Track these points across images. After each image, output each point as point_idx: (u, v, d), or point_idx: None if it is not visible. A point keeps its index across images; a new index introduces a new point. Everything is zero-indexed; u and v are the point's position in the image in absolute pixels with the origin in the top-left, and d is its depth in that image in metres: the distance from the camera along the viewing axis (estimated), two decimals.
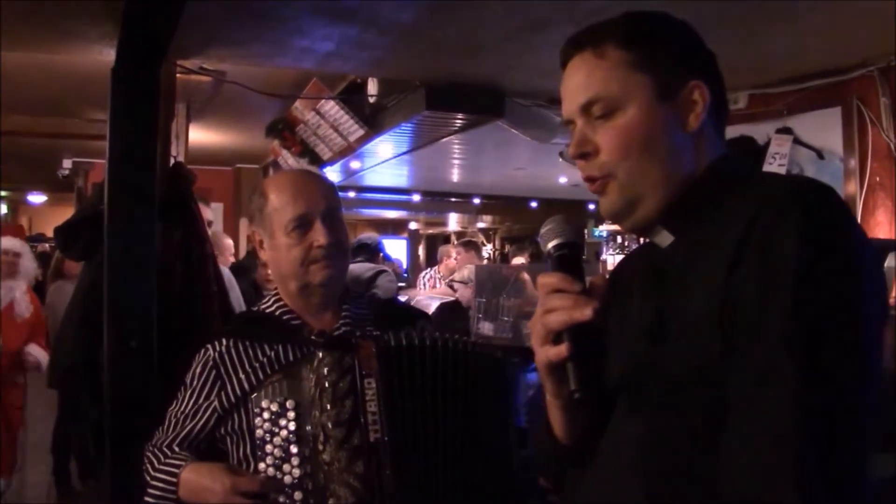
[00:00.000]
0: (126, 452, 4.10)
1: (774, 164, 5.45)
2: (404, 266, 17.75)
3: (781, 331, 1.21)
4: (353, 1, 4.43)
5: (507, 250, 17.27)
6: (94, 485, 5.32)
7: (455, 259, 9.28)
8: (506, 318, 5.95)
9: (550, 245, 1.51)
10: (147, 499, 2.22)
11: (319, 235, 2.27)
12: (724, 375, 1.26)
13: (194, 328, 4.33)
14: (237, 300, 5.61)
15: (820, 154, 5.53)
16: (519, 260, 12.68)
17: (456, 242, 9.22)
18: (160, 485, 2.21)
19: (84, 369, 4.73)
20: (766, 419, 1.20)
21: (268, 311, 2.41)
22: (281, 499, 2.08)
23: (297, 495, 2.09)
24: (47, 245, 11.76)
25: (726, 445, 1.24)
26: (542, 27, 4.74)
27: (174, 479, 2.18)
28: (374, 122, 7.32)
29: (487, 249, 19.13)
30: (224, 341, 2.33)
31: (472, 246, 9.28)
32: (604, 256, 13.16)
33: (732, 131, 5.01)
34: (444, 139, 8.04)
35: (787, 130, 5.62)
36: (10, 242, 6.79)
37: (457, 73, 6.06)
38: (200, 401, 2.30)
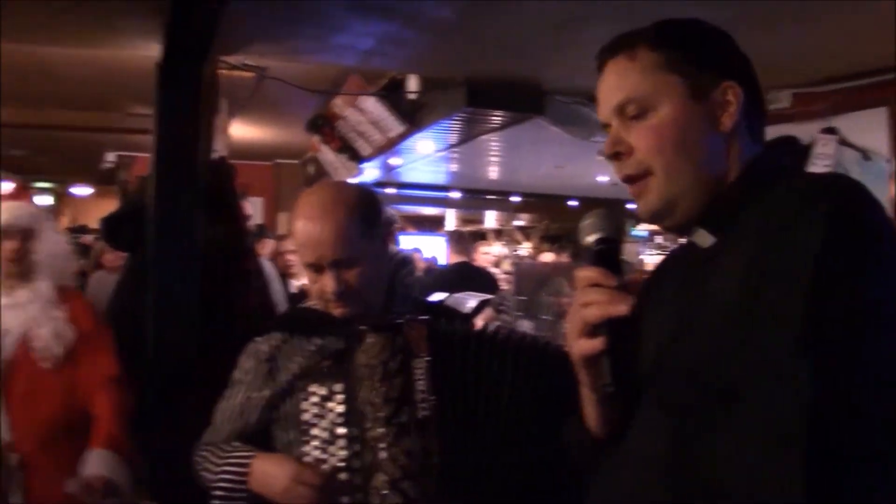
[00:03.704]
0: (165, 445, 4.15)
1: (819, 165, 5.38)
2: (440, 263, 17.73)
3: (796, 326, 1.21)
4: None
5: (545, 249, 17.20)
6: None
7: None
8: (546, 317, 5.95)
9: (589, 239, 1.51)
10: (217, 492, 2.25)
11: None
12: (738, 374, 1.27)
13: (235, 321, 4.37)
14: (278, 293, 5.64)
15: (866, 155, 5.45)
16: (551, 257, 12.66)
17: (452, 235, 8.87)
18: (230, 476, 2.23)
19: (126, 360, 4.77)
20: (775, 417, 1.21)
21: (317, 307, 2.42)
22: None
23: (345, 475, 2.12)
24: (89, 237, 11.85)
25: (735, 440, 1.26)
26: (583, 23, 4.73)
27: (245, 470, 2.21)
28: (413, 118, 7.33)
29: (525, 247, 19.09)
30: (274, 335, 2.36)
31: (460, 238, 8.84)
32: (643, 255, 13.11)
33: (776, 131, 4.92)
34: (484, 136, 8.05)
35: (831, 130, 5.55)
36: None
37: (497, 70, 6.07)
38: (252, 394, 2.32)
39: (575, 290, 1.49)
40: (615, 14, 4.35)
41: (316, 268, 2.25)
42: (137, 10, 4.53)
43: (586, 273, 1.46)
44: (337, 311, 2.26)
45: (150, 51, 5.07)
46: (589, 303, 1.43)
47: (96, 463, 3.31)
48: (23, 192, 3.80)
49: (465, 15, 4.74)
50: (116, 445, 3.41)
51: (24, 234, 3.50)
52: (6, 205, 3.60)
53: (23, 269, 3.50)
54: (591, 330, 1.43)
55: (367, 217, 2.28)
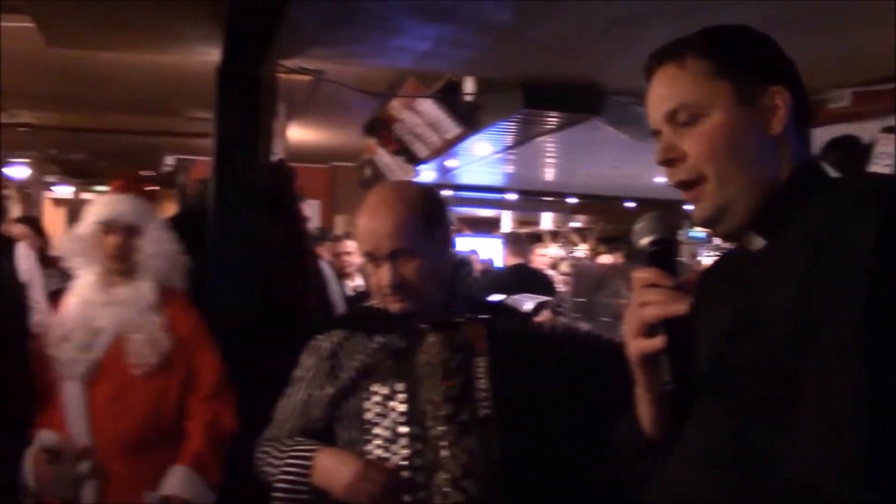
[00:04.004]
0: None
1: (880, 165, 5.29)
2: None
3: (852, 324, 1.23)
4: (450, 0, 4.46)
5: (601, 250, 17.13)
6: None
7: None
8: (604, 319, 5.92)
9: (644, 241, 1.54)
10: (279, 485, 2.27)
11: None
12: (798, 370, 1.29)
13: (294, 321, 4.40)
14: (336, 294, 5.67)
15: None
16: (607, 259, 12.59)
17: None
18: (293, 470, 2.26)
19: None
20: (835, 411, 1.23)
21: (378, 306, 2.44)
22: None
23: (407, 474, 2.14)
24: None
25: (794, 432, 1.28)
26: (640, 23, 4.70)
27: (308, 463, 2.23)
28: (470, 120, 7.34)
29: (581, 249, 19.02)
30: (336, 333, 2.38)
31: (516, 240, 8.74)
32: (700, 258, 13.01)
33: (836, 130, 4.87)
34: (540, 137, 8.03)
35: (892, 129, 5.46)
36: None
37: (554, 71, 6.05)
38: (314, 391, 2.34)
39: (632, 291, 1.51)
40: (674, 13, 4.33)
41: (373, 259, 2.27)
42: (198, 17, 4.59)
43: (643, 274, 1.50)
44: (393, 306, 2.28)
45: (209, 56, 5.13)
46: (646, 303, 1.46)
47: (179, 482, 3.20)
48: (131, 186, 3.53)
49: (522, 16, 4.73)
50: (203, 466, 3.27)
51: (128, 231, 3.33)
52: (110, 198, 3.46)
53: (125, 267, 3.34)
54: (649, 329, 1.46)
55: (428, 214, 2.30)
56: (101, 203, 3.45)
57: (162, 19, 4.83)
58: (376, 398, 2.20)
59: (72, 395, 3.23)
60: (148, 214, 3.47)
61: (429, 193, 2.39)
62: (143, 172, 4.50)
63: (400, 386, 2.19)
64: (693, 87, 1.50)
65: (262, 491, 2.35)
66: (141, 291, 3.34)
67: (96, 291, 3.34)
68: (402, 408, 2.17)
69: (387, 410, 2.19)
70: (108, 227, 3.33)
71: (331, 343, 2.35)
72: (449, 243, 2.40)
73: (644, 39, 4.78)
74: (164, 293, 3.41)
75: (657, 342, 1.44)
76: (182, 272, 3.58)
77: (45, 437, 3.17)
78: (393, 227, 2.24)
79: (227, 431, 3.36)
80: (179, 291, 3.56)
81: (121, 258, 3.32)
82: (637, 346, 1.48)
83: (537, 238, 17.64)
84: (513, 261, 8.06)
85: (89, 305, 3.31)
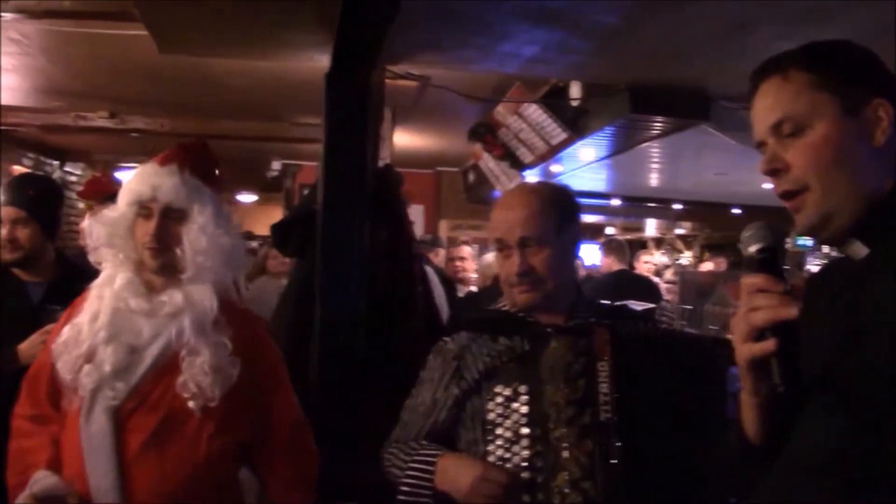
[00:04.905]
0: (331, 447, 4.24)
1: None
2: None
3: None
4: (558, 4, 4.45)
5: (705, 257, 16.89)
6: None
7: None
8: (712, 327, 5.83)
9: (752, 248, 1.57)
10: (402, 488, 2.33)
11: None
12: None
13: (399, 325, 4.44)
14: (440, 298, 5.70)
15: None
16: (709, 266, 12.39)
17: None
18: (416, 474, 2.31)
19: (293, 364, 4.88)
20: None
21: (503, 309, 2.47)
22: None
23: (526, 474, 2.18)
24: (254, 242, 12.26)
25: None
26: (749, 27, 4.63)
27: (431, 468, 2.29)
28: (576, 125, 7.32)
29: (685, 256, 18.79)
30: (462, 335, 2.45)
31: (618, 246, 8.55)
32: (808, 266, 12.76)
33: None
34: (646, 143, 7.96)
35: None
36: None
37: (661, 76, 6.00)
38: (440, 393, 2.42)
39: (740, 298, 1.55)
40: (783, 17, 4.25)
41: (504, 246, 2.35)
42: (307, 23, 4.66)
43: (753, 280, 1.53)
44: (519, 297, 2.33)
45: (317, 62, 5.21)
46: (756, 308, 1.49)
47: None
48: (180, 156, 2.67)
49: (629, 20, 4.70)
50: None
51: (170, 214, 2.55)
52: (150, 170, 2.64)
53: (163, 262, 2.55)
54: (759, 334, 1.48)
55: (560, 211, 2.39)
56: (138, 176, 2.65)
57: (272, 26, 4.91)
58: (499, 399, 2.26)
59: (96, 434, 2.43)
60: (200, 195, 2.63)
61: (564, 193, 2.47)
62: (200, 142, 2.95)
63: (523, 388, 2.24)
64: (798, 99, 1.54)
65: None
66: (195, 299, 2.53)
67: (134, 295, 2.54)
68: (525, 409, 2.23)
69: (509, 412, 2.25)
70: (143, 207, 2.58)
71: (457, 345, 2.42)
72: (577, 245, 2.46)
73: (753, 43, 4.74)
74: (225, 305, 2.60)
75: (768, 346, 1.47)
76: (242, 277, 2.86)
77: (41, 479, 2.41)
78: (525, 216, 2.33)
79: (314, 487, 2.75)
80: (242, 303, 2.77)
81: (158, 250, 2.54)
82: (747, 351, 1.51)
83: (642, 245, 17.49)
84: (614, 267, 8.00)
85: (124, 315, 2.52)
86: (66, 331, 2.55)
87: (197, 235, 2.56)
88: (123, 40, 6.64)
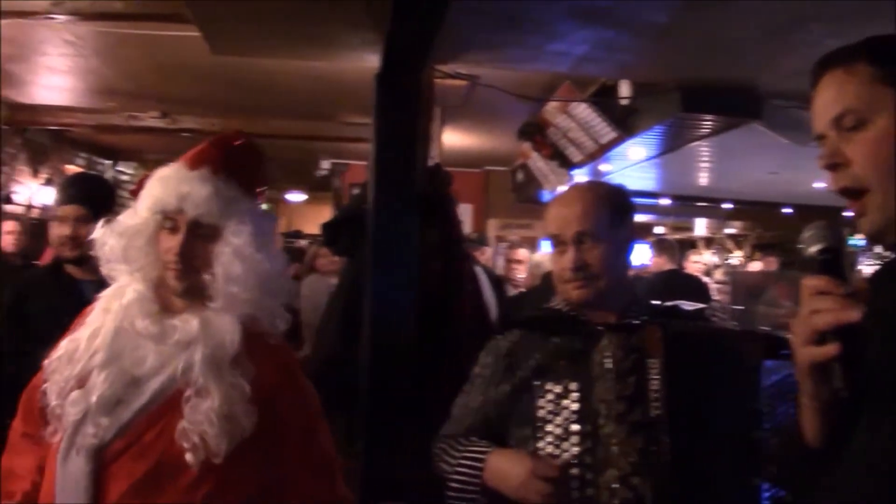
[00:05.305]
0: (381, 443, 4.27)
1: None
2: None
3: None
4: (609, 2, 4.44)
5: (756, 257, 16.73)
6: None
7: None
8: (763, 328, 5.76)
9: (813, 249, 1.54)
10: (451, 483, 2.35)
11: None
12: None
13: (448, 324, 4.45)
14: (489, 297, 5.70)
15: None
16: (758, 265, 12.26)
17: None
18: (466, 470, 2.34)
19: (342, 359, 4.90)
20: None
21: (555, 308, 2.49)
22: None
23: (576, 471, 2.19)
24: (303, 241, 12.35)
25: None
26: (800, 25, 4.60)
27: (480, 465, 2.31)
28: (625, 124, 7.29)
29: (736, 256, 18.64)
30: (514, 332, 2.47)
31: (668, 245, 8.40)
32: (861, 266, 12.59)
33: None
34: (695, 142, 7.90)
35: None
36: None
37: (712, 74, 5.95)
38: (491, 390, 2.43)
39: (789, 299, 1.54)
40: (836, 14, 4.21)
41: (559, 242, 2.38)
42: (357, 24, 4.69)
43: (814, 282, 1.49)
44: (573, 293, 2.35)
45: (366, 62, 5.24)
46: (818, 310, 1.45)
47: None
48: (213, 157, 2.19)
49: (680, 18, 4.68)
50: None
51: (200, 229, 2.09)
52: (177, 174, 2.15)
53: (189, 285, 2.10)
54: (820, 337, 1.45)
55: (616, 209, 2.41)
56: (163, 181, 2.15)
57: (323, 27, 4.95)
58: (549, 396, 2.27)
59: (71, 476, 1.97)
60: (237, 208, 2.14)
61: (619, 192, 2.50)
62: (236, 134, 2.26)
63: (574, 385, 2.25)
64: (860, 92, 1.50)
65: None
66: (217, 328, 2.07)
67: (142, 314, 2.08)
68: (575, 406, 2.24)
69: (559, 409, 2.26)
70: (168, 219, 2.11)
71: (508, 342, 2.44)
72: (631, 244, 2.47)
73: (805, 41, 4.70)
74: (253, 339, 2.12)
75: (830, 350, 1.43)
76: (281, 307, 2.23)
77: None
78: (581, 211, 2.36)
79: None
80: (276, 336, 2.22)
81: (183, 272, 2.09)
82: (808, 354, 1.47)
83: (691, 244, 17.37)
84: (665, 267, 7.95)
85: (128, 337, 2.07)
86: (64, 345, 2.12)
87: (230, 260, 2.08)
88: (175, 41, 6.74)
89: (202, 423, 1.95)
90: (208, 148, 2.22)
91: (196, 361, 2.00)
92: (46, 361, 2.10)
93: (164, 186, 2.12)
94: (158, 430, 1.98)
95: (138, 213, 2.14)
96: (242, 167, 2.22)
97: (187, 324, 2.05)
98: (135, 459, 1.96)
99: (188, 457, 1.95)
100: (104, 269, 2.18)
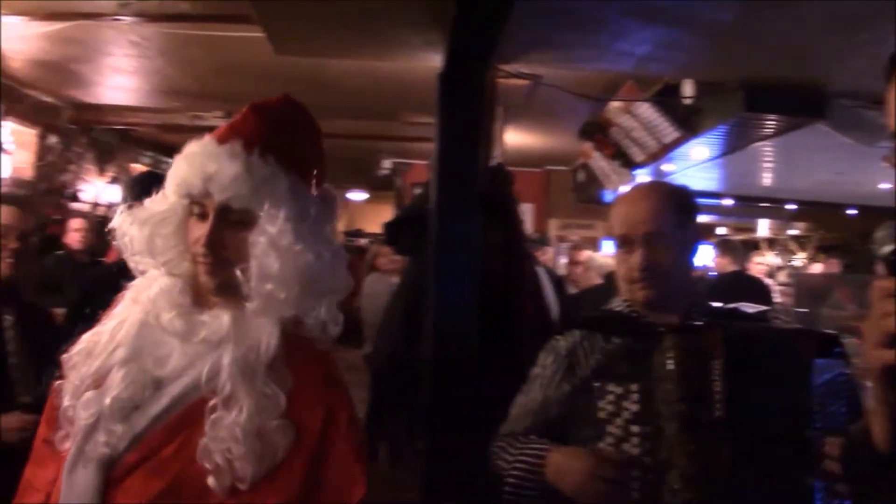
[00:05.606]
0: (443, 442, 4.29)
1: None
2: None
3: None
4: (672, 2, 4.42)
5: (818, 259, 16.51)
6: (400, 468, 5.52)
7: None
8: (828, 332, 5.67)
9: (885, 250, 1.51)
10: (508, 480, 2.35)
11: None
12: None
13: (510, 324, 4.45)
14: (549, 297, 5.70)
15: None
16: (820, 267, 12.08)
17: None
18: (524, 467, 2.33)
19: (404, 358, 4.93)
20: None
21: (617, 309, 2.48)
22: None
23: (637, 472, 2.18)
24: (364, 240, 12.45)
25: None
26: (867, 23, 4.54)
27: (541, 462, 2.30)
28: (688, 124, 7.24)
29: (799, 257, 18.40)
30: (574, 333, 2.46)
31: (731, 247, 8.08)
32: None
33: None
34: (759, 142, 7.83)
35: None
36: None
37: (776, 74, 5.90)
38: (551, 390, 2.43)
39: (853, 301, 1.51)
40: None
41: (626, 242, 2.37)
42: (421, 24, 4.72)
43: (886, 284, 1.44)
44: (639, 294, 2.35)
45: (429, 61, 5.26)
46: (889, 313, 1.41)
47: None
48: (247, 131, 1.80)
49: (744, 17, 4.64)
50: None
51: (232, 217, 1.72)
52: (207, 150, 1.78)
53: (225, 283, 1.74)
54: (892, 340, 1.41)
55: (683, 208, 2.41)
56: (188, 158, 1.81)
57: (386, 27, 4.99)
58: (610, 397, 2.26)
59: (76, 489, 1.67)
60: (274, 188, 1.74)
61: (685, 193, 2.49)
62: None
63: (634, 386, 2.24)
64: None
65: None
66: (252, 328, 1.73)
67: (169, 307, 1.76)
68: (635, 408, 2.22)
69: (620, 410, 2.24)
70: (196, 203, 1.77)
71: (569, 343, 2.43)
72: (696, 245, 2.47)
73: (872, 39, 4.63)
74: (295, 342, 1.77)
75: None
76: (333, 308, 1.81)
77: None
78: (650, 211, 2.35)
79: None
80: (326, 342, 1.83)
81: (215, 265, 1.73)
82: (879, 358, 1.43)
83: (754, 245, 17.18)
84: (728, 268, 7.86)
85: (152, 332, 1.76)
86: (87, 338, 1.82)
87: (265, 252, 1.70)
88: (239, 42, 6.83)
89: (227, 439, 1.63)
90: (244, 116, 1.84)
91: (224, 365, 1.68)
92: (65, 356, 1.80)
93: (190, 165, 1.77)
94: (178, 445, 1.67)
95: (166, 196, 1.82)
96: (284, 139, 1.83)
97: (217, 319, 1.73)
98: (148, 476, 1.65)
99: (210, 481, 1.63)
100: (130, 262, 1.86)
